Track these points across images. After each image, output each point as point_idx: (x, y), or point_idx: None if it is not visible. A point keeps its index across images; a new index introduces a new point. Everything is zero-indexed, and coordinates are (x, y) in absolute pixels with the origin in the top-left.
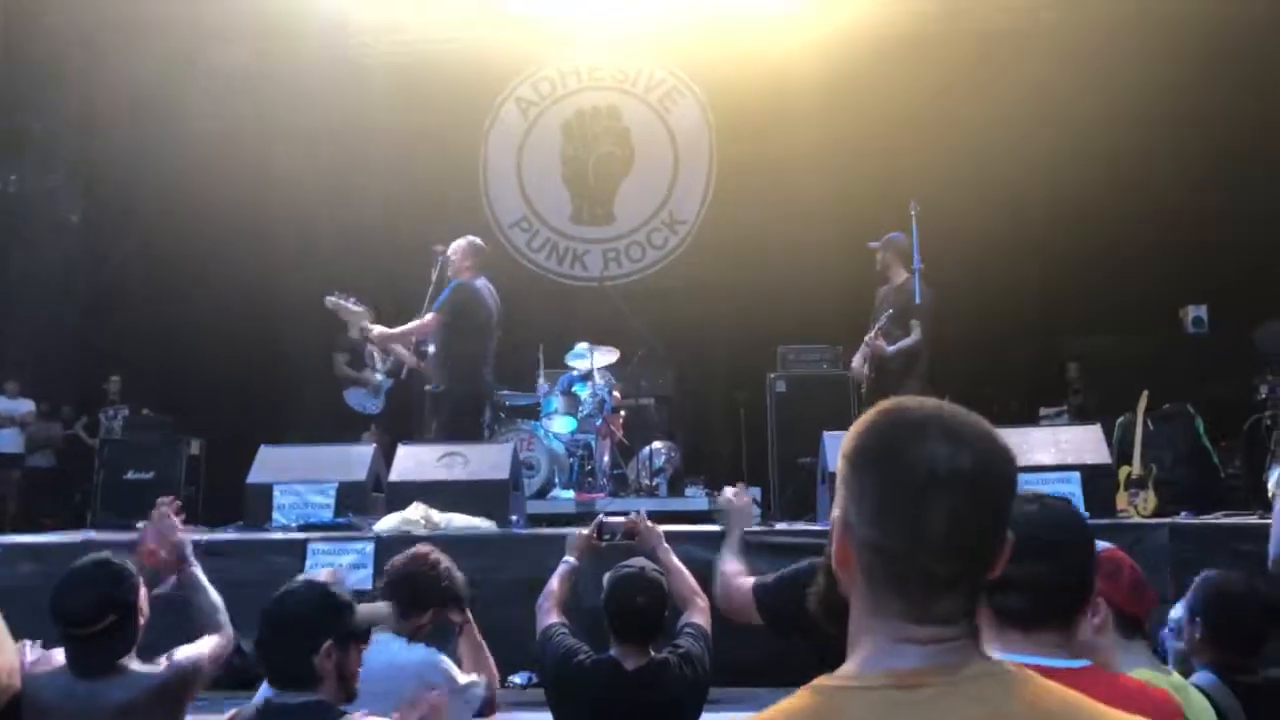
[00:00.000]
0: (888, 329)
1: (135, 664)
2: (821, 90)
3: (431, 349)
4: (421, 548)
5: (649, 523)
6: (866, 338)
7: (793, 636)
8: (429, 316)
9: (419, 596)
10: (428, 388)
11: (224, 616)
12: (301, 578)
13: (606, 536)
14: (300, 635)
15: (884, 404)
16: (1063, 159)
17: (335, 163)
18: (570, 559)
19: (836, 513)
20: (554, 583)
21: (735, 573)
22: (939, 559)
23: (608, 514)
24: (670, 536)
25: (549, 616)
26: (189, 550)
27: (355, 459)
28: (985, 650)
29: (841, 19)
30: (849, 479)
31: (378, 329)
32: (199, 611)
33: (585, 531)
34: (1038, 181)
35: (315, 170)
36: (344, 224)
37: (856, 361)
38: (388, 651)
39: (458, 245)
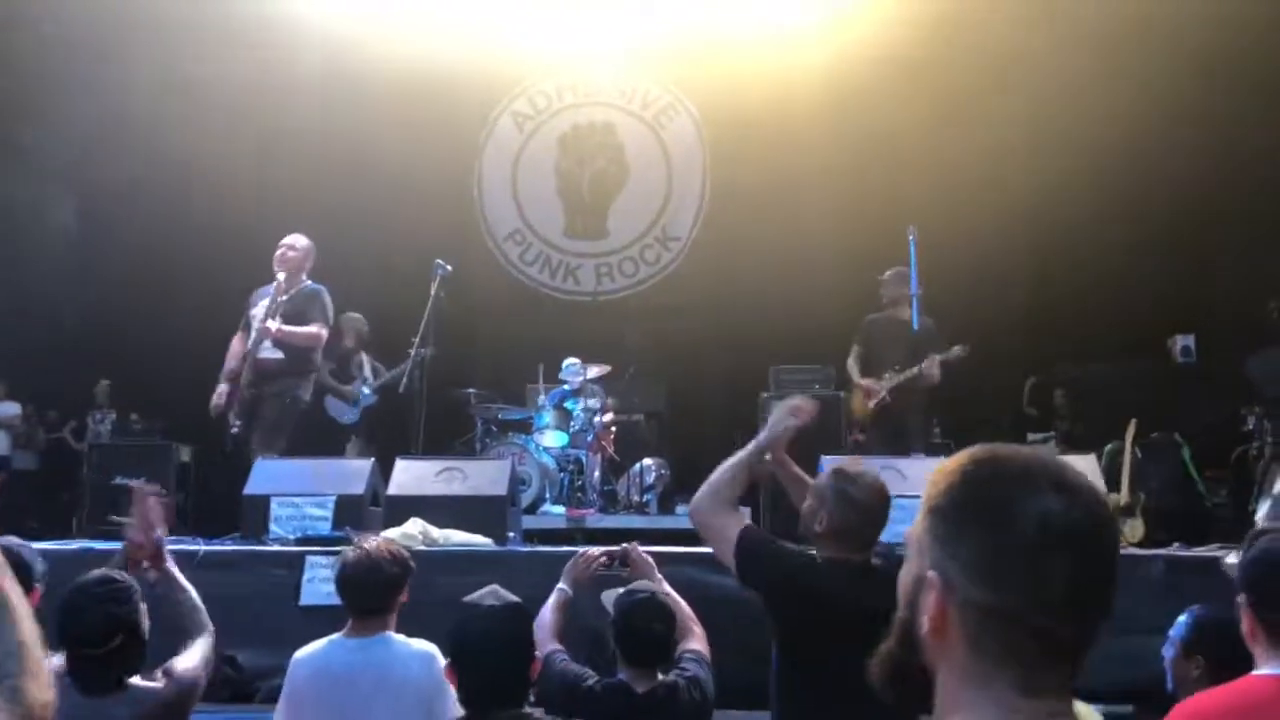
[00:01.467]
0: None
1: (137, 679)
2: (817, 110)
3: (275, 354)
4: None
5: (643, 553)
6: (918, 368)
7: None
8: (317, 329)
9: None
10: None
11: (205, 615)
12: (485, 596)
13: (606, 567)
14: (521, 655)
15: (975, 453)
16: (1053, 186)
17: (330, 174)
18: (565, 587)
19: (929, 572)
20: (547, 613)
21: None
22: (1061, 621)
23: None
24: (666, 558)
25: (546, 645)
26: (165, 547)
27: (353, 473)
28: None
29: (839, 40)
30: (944, 534)
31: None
32: (180, 610)
33: (581, 560)
34: (1028, 209)
35: (309, 181)
36: (339, 235)
37: (870, 386)
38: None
39: (306, 244)
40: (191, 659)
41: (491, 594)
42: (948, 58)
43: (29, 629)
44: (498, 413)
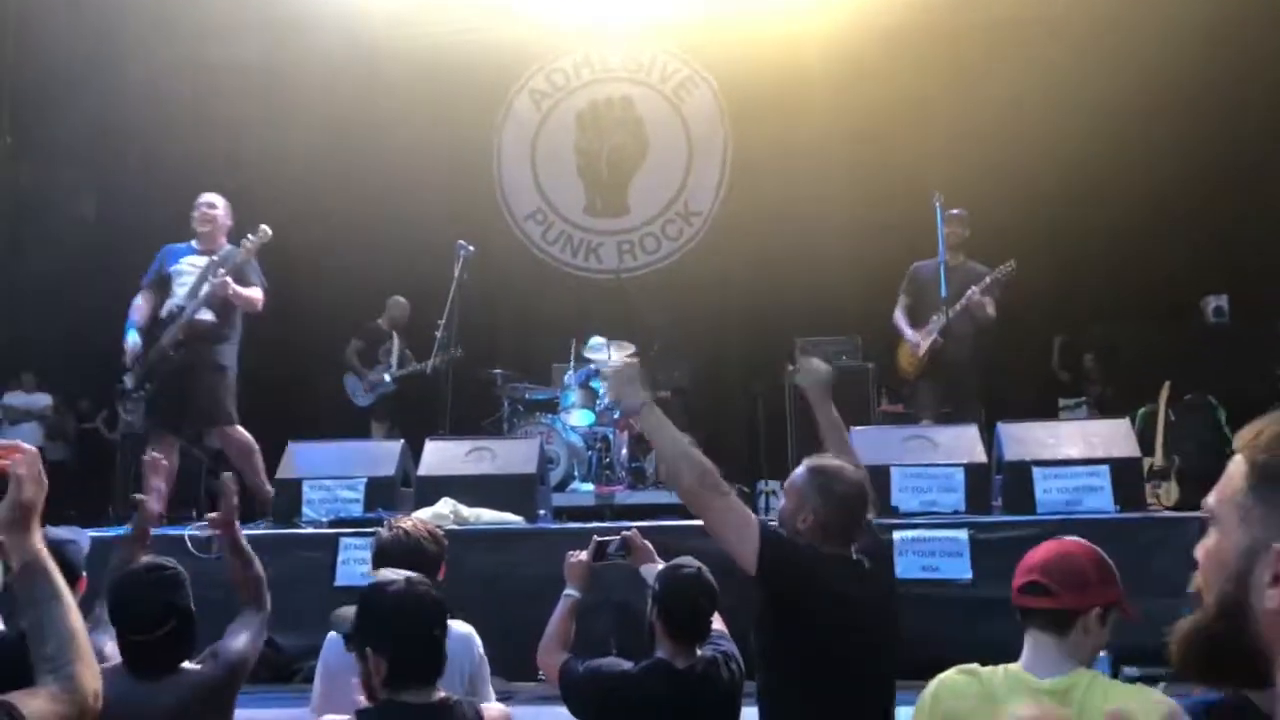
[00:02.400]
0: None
1: (187, 664)
2: (837, 79)
3: (210, 316)
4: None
5: (642, 539)
6: (963, 300)
7: None
8: (259, 292)
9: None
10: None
11: (264, 590)
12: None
13: (619, 553)
14: (435, 634)
15: None
16: (1079, 148)
17: (349, 156)
18: (573, 591)
19: (1276, 545)
20: (553, 624)
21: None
22: None
23: (598, 534)
24: (689, 531)
25: (557, 657)
26: (236, 518)
27: (383, 454)
28: None
29: (855, 7)
30: None
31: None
32: (245, 583)
33: (583, 557)
34: (1054, 170)
35: (329, 165)
36: (359, 218)
37: (921, 335)
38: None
39: (225, 203)
40: (238, 640)
41: (402, 578)
42: (967, 21)
43: (78, 619)
44: (524, 393)
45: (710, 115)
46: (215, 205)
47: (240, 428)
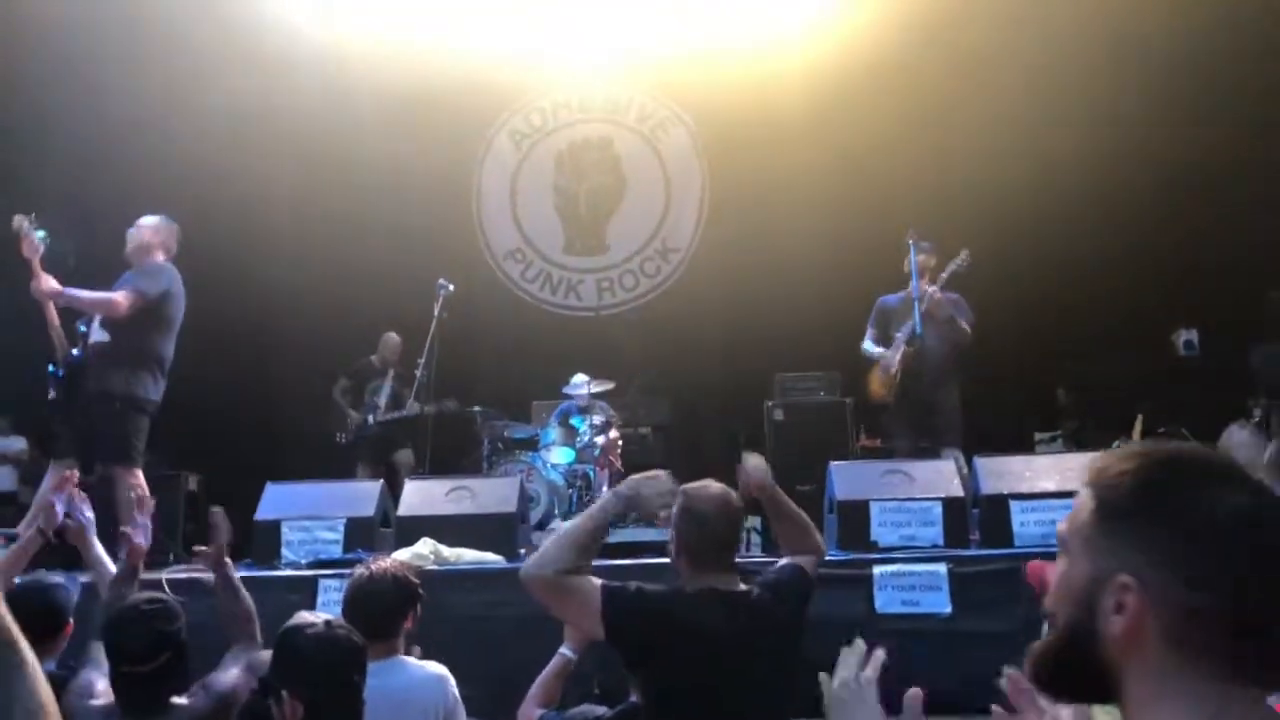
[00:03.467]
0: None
1: (176, 698)
2: (812, 117)
3: (102, 337)
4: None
5: None
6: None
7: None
8: (125, 293)
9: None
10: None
11: (256, 627)
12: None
13: None
14: (351, 679)
15: (1148, 448)
16: (1050, 184)
17: (328, 198)
18: (569, 652)
19: (1121, 575)
20: (543, 682)
21: None
22: (1259, 611)
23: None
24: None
25: (534, 711)
26: (226, 554)
27: (362, 495)
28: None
29: (828, 46)
30: (1128, 533)
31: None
32: (236, 618)
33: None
34: (1025, 206)
35: (309, 205)
36: (341, 257)
37: (891, 350)
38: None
39: (153, 222)
40: (229, 674)
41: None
42: (938, 58)
43: (46, 690)
44: (504, 430)
45: (687, 154)
46: (140, 225)
47: (139, 474)
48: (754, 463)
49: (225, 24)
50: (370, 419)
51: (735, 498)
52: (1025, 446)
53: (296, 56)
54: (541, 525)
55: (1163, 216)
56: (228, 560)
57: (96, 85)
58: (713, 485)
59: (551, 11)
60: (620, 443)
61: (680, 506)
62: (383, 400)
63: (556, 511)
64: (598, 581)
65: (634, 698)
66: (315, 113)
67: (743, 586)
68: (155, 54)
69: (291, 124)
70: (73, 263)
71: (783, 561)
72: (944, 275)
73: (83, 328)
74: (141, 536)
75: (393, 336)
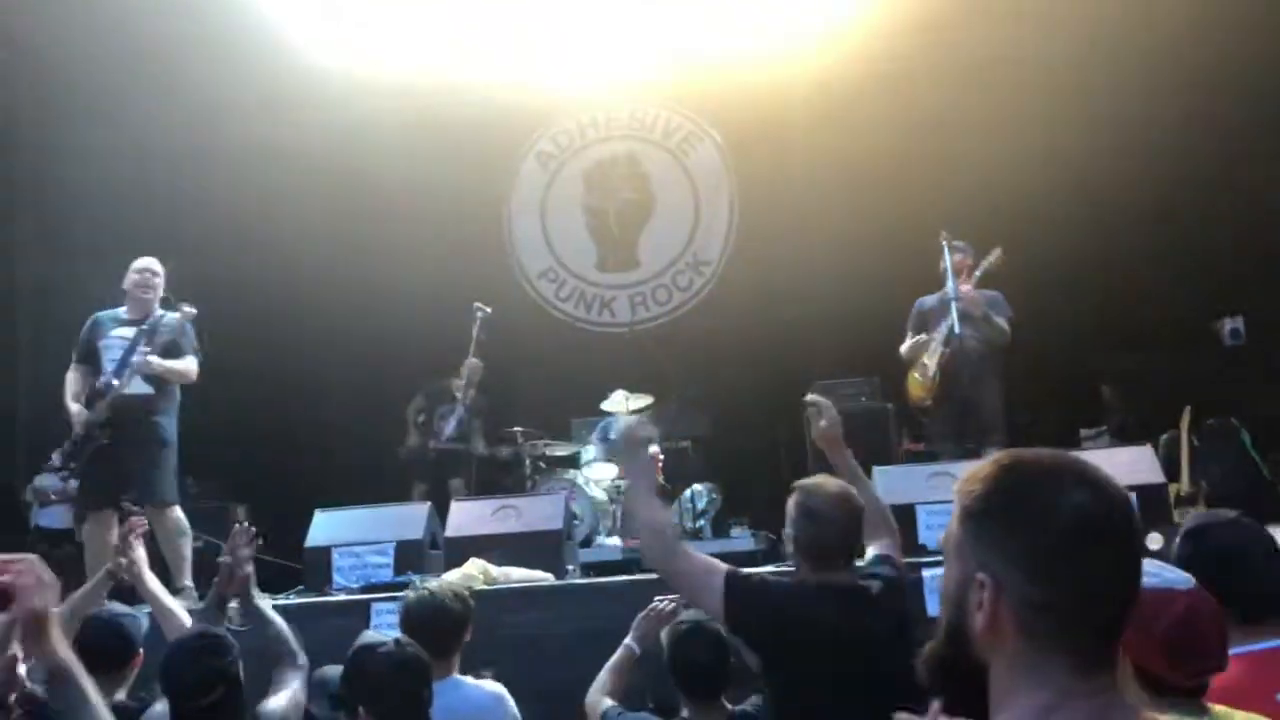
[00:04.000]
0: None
1: None
2: (839, 124)
3: (145, 389)
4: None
5: None
6: (952, 299)
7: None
8: (194, 363)
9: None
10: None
11: (295, 645)
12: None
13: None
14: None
15: (1000, 457)
16: (1085, 176)
17: (363, 230)
18: (632, 644)
19: (978, 574)
20: (609, 672)
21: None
22: (1106, 607)
23: (660, 596)
24: None
25: (602, 704)
26: (253, 583)
27: (411, 518)
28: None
29: (848, 51)
30: (984, 536)
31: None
32: (273, 642)
33: (653, 615)
34: (1061, 200)
35: (343, 238)
36: (374, 286)
37: (926, 356)
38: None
39: (162, 270)
40: (279, 699)
41: (391, 639)
42: (963, 60)
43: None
44: (545, 449)
45: (714, 166)
46: (158, 273)
47: (178, 510)
48: (831, 416)
49: (250, 60)
50: (432, 444)
51: (854, 494)
52: (1070, 443)
53: (317, 92)
54: (586, 543)
55: (1201, 205)
56: (253, 590)
57: (126, 133)
58: (830, 482)
59: (572, 33)
60: (661, 457)
61: (797, 504)
62: (450, 428)
63: (601, 528)
64: (722, 567)
65: (685, 712)
66: (342, 146)
67: (861, 581)
68: (178, 99)
69: (320, 159)
70: (108, 301)
71: (872, 552)
72: (977, 274)
73: (115, 380)
74: (242, 568)
75: (472, 361)
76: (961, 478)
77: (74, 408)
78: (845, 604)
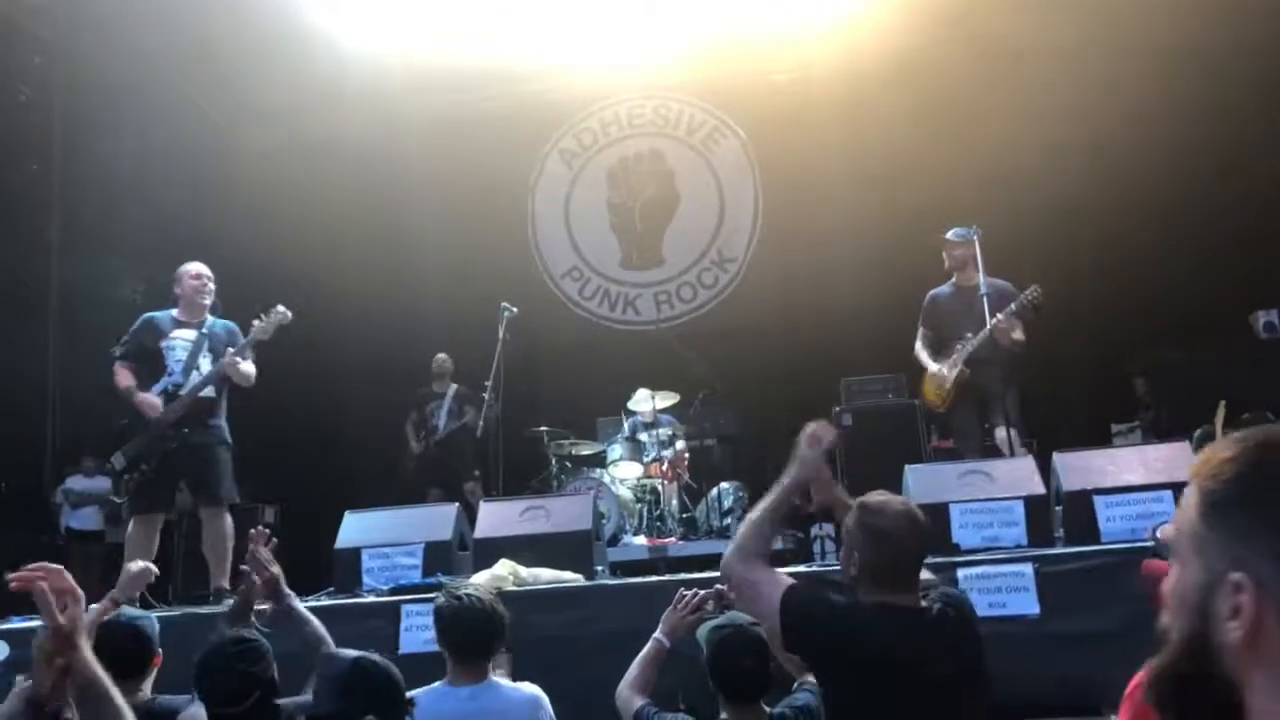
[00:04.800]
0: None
1: None
2: (864, 120)
3: (210, 393)
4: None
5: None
6: (988, 327)
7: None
8: (254, 368)
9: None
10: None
11: (331, 643)
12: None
13: (717, 613)
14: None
15: (1255, 435)
16: (1116, 170)
17: (388, 232)
18: (662, 638)
19: (1233, 575)
20: (635, 667)
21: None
22: None
23: (686, 587)
24: None
25: (634, 701)
26: (284, 584)
27: (439, 519)
28: None
29: (865, 47)
30: (1240, 529)
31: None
32: (310, 642)
33: (682, 607)
34: (1092, 194)
35: (368, 240)
36: (400, 287)
37: (946, 366)
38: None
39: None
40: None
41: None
42: (985, 52)
43: None
44: (571, 449)
45: (739, 163)
46: (212, 277)
47: (229, 514)
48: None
49: (277, 63)
50: (430, 441)
51: (919, 513)
52: (1102, 438)
53: (343, 94)
54: (613, 542)
55: (1231, 198)
56: (286, 590)
57: (158, 136)
58: (894, 500)
59: (594, 30)
60: (687, 455)
61: (859, 523)
62: (441, 421)
63: (627, 527)
64: (786, 580)
65: (723, 715)
66: (369, 149)
67: (923, 603)
68: (207, 104)
69: (348, 162)
70: (140, 300)
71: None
72: (1013, 307)
73: (180, 380)
74: (265, 571)
75: (438, 357)
76: (1200, 460)
77: (151, 399)
78: (898, 626)
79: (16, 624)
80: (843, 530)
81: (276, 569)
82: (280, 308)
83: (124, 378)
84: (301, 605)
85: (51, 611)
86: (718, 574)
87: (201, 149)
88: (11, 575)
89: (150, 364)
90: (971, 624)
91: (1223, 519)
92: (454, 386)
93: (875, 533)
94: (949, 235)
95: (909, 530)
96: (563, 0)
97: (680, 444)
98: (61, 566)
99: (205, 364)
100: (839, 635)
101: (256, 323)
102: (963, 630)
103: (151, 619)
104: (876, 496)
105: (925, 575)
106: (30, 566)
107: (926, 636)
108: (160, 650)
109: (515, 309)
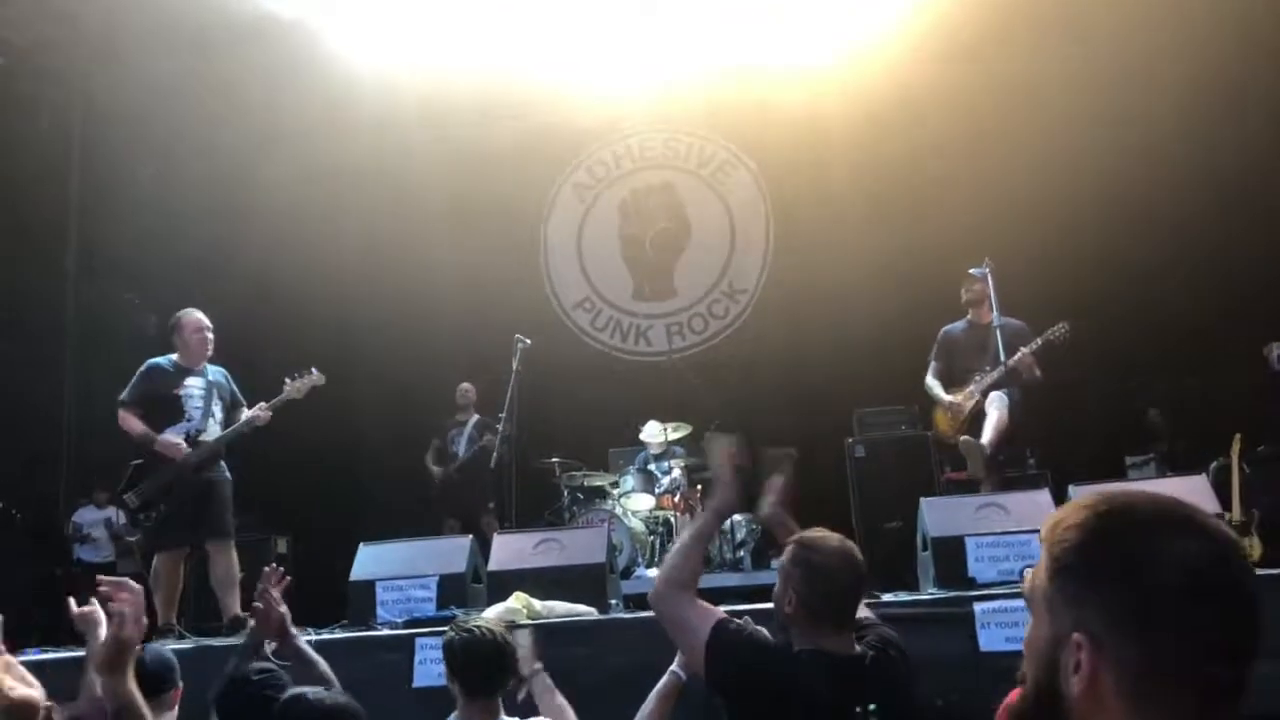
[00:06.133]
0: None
1: None
2: (875, 153)
3: (218, 432)
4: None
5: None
6: (1005, 363)
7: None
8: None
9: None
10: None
11: (337, 687)
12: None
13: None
14: None
15: (1094, 501)
16: (1130, 201)
17: (400, 265)
18: (679, 670)
19: (1074, 635)
20: (654, 701)
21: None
22: (1221, 667)
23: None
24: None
25: None
26: (290, 621)
27: (453, 551)
28: None
29: (880, 77)
30: (1080, 592)
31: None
32: (316, 683)
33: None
34: (1105, 225)
35: (380, 272)
36: (413, 317)
37: (962, 397)
38: None
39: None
40: None
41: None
42: (991, 85)
43: None
44: (583, 480)
45: (750, 195)
46: (212, 328)
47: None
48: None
49: (288, 92)
50: (450, 468)
51: (856, 551)
52: (1116, 470)
53: (352, 125)
54: (626, 574)
55: (1247, 229)
56: (293, 631)
57: (173, 166)
58: (831, 536)
59: (606, 63)
60: (700, 487)
61: (796, 558)
62: (461, 448)
63: (639, 559)
64: (716, 614)
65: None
66: (382, 178)
67: (857, 649)
68: (221, 134)
69: (361, 192)
70: (153, 332)
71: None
72: (1037, 342)
73: (200, 425)
74: (271, 608)
75: (463, 385)
76: (1048, 524)
77: (177, 442)
78: (827, 674)
79: (33, 655)
80: (778, 568)
81: (284, 609)
82: (314, 370)
83: (136, 424)
84: (308, 646)
85: (121, 621)
86: (736, 606)
87: (218, 178)
88: (103, 578)
89: (165, 409)
90: (903, 665)
91: (1067, 581)
92: (476, 416)
93: (811, 568)
94: (972, 270)
95: (845, 566)
96: (575, 34)
97: (689, 475)
98: (141, 588)
99: (217, 410)
100: (765, 676)
101: (289, 381)
102: (894, 672)
103: (168, 653)
104: (813, 533)
105: (863, 613)
106: (114, 580)
107: (857, 683)
108: (180, 683)
109: (529, 340)
